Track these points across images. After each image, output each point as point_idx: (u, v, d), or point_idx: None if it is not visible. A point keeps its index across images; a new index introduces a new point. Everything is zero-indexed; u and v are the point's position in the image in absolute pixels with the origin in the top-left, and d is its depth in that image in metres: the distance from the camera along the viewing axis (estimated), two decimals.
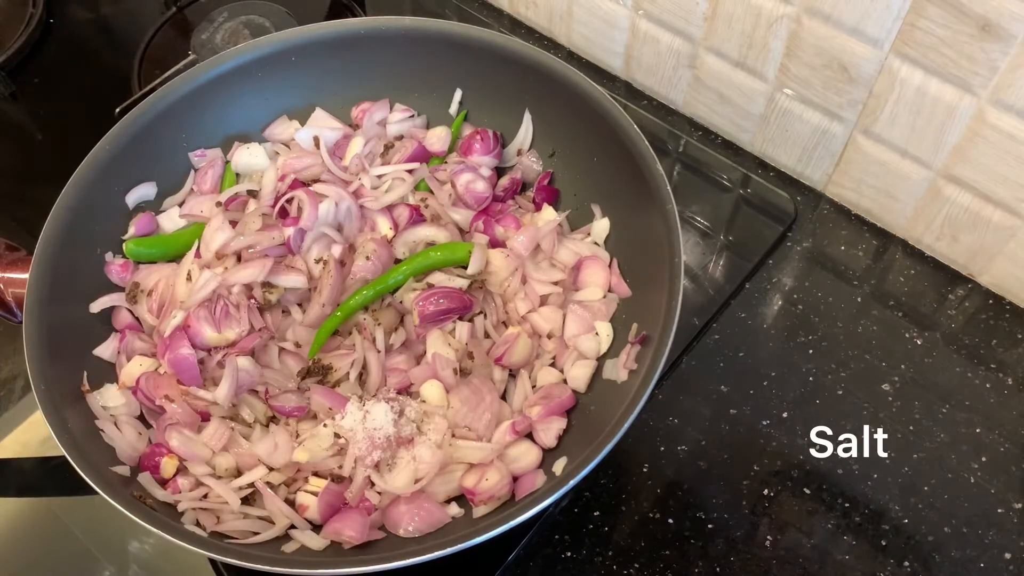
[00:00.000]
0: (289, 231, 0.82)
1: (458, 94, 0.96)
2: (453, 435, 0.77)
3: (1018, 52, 0.73)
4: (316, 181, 0.89)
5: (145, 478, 0.74)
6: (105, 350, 0.81)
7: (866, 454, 0.82)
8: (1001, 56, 0.74)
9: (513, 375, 0.82)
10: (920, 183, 0.89)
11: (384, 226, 0.87)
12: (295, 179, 0.89)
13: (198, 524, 0.72)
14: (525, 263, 0.85)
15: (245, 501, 0.75)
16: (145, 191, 0.89)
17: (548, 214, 0.89)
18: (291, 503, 0.75)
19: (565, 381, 0.81)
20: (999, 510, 0.79)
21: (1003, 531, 0.78)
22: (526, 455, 0.76)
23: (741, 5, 0.89)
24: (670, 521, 0.80)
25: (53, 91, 1.14)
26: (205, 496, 0.74)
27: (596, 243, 0.88)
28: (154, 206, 0.90)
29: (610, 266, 0.85)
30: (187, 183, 0.91)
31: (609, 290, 0.84)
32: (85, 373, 0.78)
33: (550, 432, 0.77)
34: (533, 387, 0.81)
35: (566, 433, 0.78)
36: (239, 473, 0.76)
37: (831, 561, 0.77)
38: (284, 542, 0.72)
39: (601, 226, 0.88)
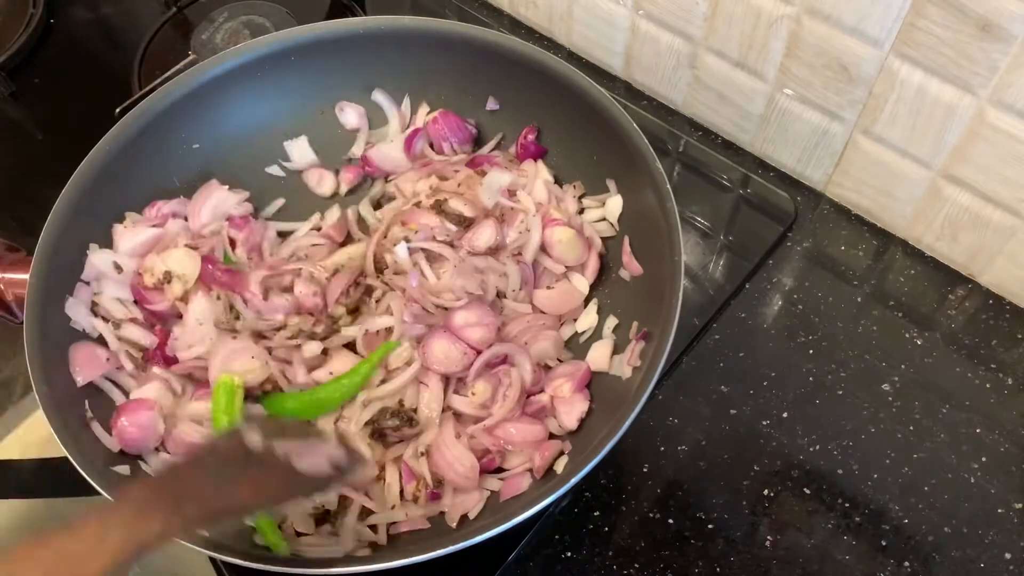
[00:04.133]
0: None
1: (423, 109, 0.96)
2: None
3: (1018, 52, 0.73)
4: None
5: None
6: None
7: (866, 454, 0.82)
8: (1001, 56, 0.74)
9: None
10: (920, 183, 0.89)
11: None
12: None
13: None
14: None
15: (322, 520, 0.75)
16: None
17: (543, 173, 0.90)
18: None
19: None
20: (999, 510, 0.79)
21: (1003, 531, 0.78)
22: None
23: (741, 5, 0.89)
24: (670, 521, 0.80)
25: (53, 91, 1.14)
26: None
27: (609, 221, 0.88)
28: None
29: (623, 244, 0.86)
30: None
31: (622, 268, 0.85)
32: (87, 402, 0.77)
33: (572, 414, 0.77)
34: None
35: (588, 417, 0.78)
36: None
37: (831, 561, 0.77)
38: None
39: (615, 203, 0.88)
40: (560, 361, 0.82)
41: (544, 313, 0.85)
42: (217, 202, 0.89)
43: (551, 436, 0.78)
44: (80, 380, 0.77)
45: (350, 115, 0.96)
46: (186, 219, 0.88)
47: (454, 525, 0.74)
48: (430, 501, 0.75)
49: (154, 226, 0.85)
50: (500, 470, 0.77)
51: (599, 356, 0.81)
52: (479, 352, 0.79)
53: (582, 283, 0.86)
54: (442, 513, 0.76)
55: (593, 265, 0.87)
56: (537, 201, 0.89)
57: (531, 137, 0.92)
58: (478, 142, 0.96)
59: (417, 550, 0.65)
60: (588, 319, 0.85)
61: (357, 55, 0.94)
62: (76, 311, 0.80)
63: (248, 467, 0.61)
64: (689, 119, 1.06)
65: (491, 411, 0.77)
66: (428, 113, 0.96)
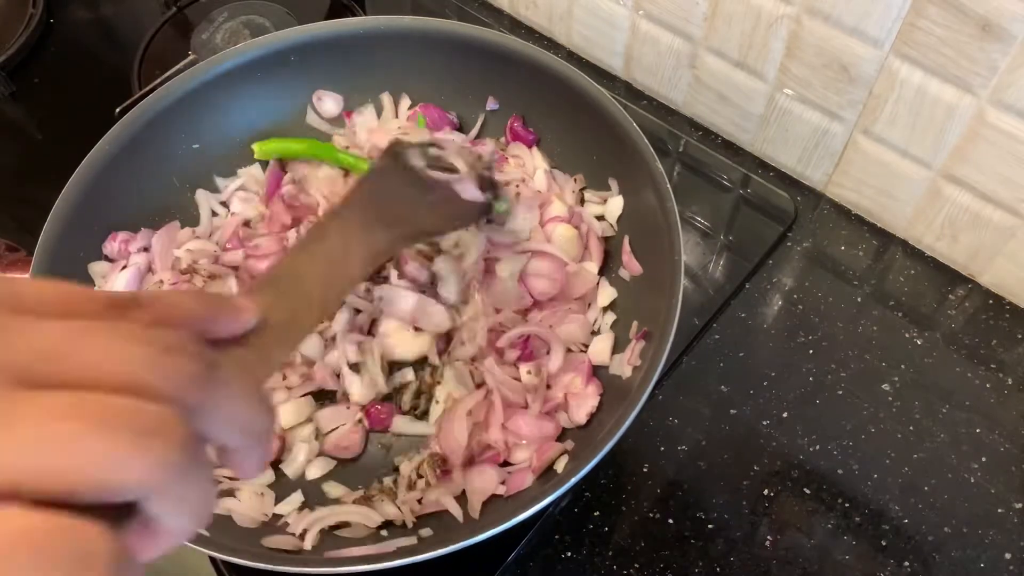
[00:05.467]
0: None
1: (405, 102, 0.96)
2: None
3: (1018, 52, 0.73)
4: None
5: None
6: None
7: (866, 454, 0.82)
8: (1001, 56, 0.74)
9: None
10: (920, 183, 0.89)
11: None
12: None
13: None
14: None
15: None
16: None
17: (539, 160, 0.91)
18: None
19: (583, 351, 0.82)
20: (999, 510, 0.79)
21: (1003, 531, 0.78)
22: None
23: (741, 5, 0.89)
24: (670, 521, 0.80)
25: (53, 91, 1.14)
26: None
27: (608, 221, 0.89)
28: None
29: (623, 244, 0.86)
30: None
31: (622, 267, 0.85)
32: None
33: (583, 408, 0.78)
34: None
35: (597, 412, 0.78)
36: None
37: (831, 561, 0.77)
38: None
39: (615, 203, 0.88)
40: (584, 347, 0.83)
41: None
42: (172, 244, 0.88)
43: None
44: None
45: (328, 104, 0.96)
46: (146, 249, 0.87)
47: (476, 515, 0.74)
48: (442, 479, 0.76)
49: (124, 267, 0.84)
50: (506, 464, 0.78)
51: (599, 350, 0.81)
52: (536, 302, 0.82)
53: (591, 266, 0.86)
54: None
55: (597, 251, 0.87)
56: (536, 190, 0.90)
57: (517, 125, 0.93)
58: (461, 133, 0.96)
59: (417, 550, 0.65)
60: (606, 293, 0.85)
61: (357, 55, 0.94)
62: None
63: (424, 193, 0.69)
64: (689, 119, 1.06)
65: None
66: (409, 107, 0.96)
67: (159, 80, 1.02)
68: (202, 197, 0.92)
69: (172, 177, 0.91)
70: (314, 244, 0.57)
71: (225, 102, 0.91)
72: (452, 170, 0.72)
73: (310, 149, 0.92)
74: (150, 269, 0.86)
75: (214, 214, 0.92)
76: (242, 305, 0.43)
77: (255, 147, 0.92)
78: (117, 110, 0.98)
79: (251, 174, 0.94)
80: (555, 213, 0.87)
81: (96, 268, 0.85)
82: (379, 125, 0.96)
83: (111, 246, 0.85)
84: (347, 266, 0.57)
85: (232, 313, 0.42)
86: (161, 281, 0.85)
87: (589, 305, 0.86)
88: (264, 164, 0.94)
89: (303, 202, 0.89)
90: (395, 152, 0.71)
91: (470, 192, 0.71)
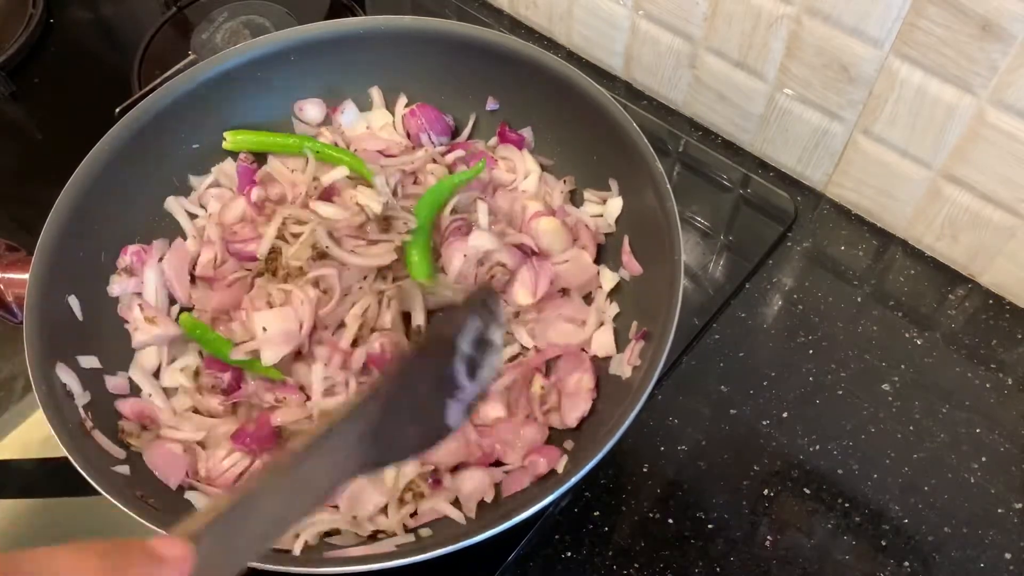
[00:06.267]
0: None
1: (401, 100, 0.96)
2: None
3: (1018, 52, 0.73)
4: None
5: None
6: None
7: (866, 454, 0.82)
8: (1001, 56, 0.74)
9: None
10: (920, 183, 0.89)
11: None
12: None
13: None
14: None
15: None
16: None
17: (531, 164, 0.92)
18: None
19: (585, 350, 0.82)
20: (999, 510, 0.79)
21: (1003, 531, 0.78)
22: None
23: (741, 5, 0.89)
24: (670, 521, 0.80)
25: (53, 91, 1.14)
26: None
27: (607, 221, 0.89)
28: None
29: (623, 244, 0.86)
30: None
31: (622, 268, 0.85)
32: (90, 412, 0.76)
33: (575, 412, 0.78)
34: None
35: (589, 416, 0.78)
36: None
37: (831, 561, 0.77)
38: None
39: (615, 204, 0.88)
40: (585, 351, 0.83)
41: (567, 295, 0.86)
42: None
43: (551, 432, 0.79)
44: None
45: (311, 111, 0.96)
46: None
47: (473, 515, 0.74)
48: (435, 488, 0.75)
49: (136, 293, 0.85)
50: (499, 463, 0.77)
51: (603, 343, 0.82)
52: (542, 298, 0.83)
53: (586, 256, 0.87)
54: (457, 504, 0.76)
55: (590, 243, 0.87)
56: (523, 190, 0.90)
57: (506, 129, 0.93)
58: (456, 135, 0.97)
59: (417, 550, 0.65)
60: (609, 278, 0.86)
61: (357, 55, 0.94)
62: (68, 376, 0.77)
63: (431, 399, 0.56)
64: (689, 119, 1.06)
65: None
66: (406, 105, 0.96)
67: (159, 80, 1.02)
68: (173, 204, 0.91)
69: (172, 177, 0.91)
70: (293, 467, 0.47)
71: (225, 102, 0.91)
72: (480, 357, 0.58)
73: (285, 142, 0.92)
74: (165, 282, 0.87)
75: (193, 216, 0.91)
76: (166, 556, 0.38)
77: (227, 135, 0.92)
78: (117, 110, 0.98)
79: (223, 170, 0.93)
80: (535, 210, 0.88)
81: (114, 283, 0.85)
82: (368, 120, 0.96)
83: (123, 260, 0.85)
84: (310, 500, 0.48)
85: (147, 570, 0.37)
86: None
87: (593, 293, 0.86)
88: (236, 159, 0.94)
89: (272, 198, 0.89)
90: (464, 313, 0.57)
91: (455, 417, 0.58)
